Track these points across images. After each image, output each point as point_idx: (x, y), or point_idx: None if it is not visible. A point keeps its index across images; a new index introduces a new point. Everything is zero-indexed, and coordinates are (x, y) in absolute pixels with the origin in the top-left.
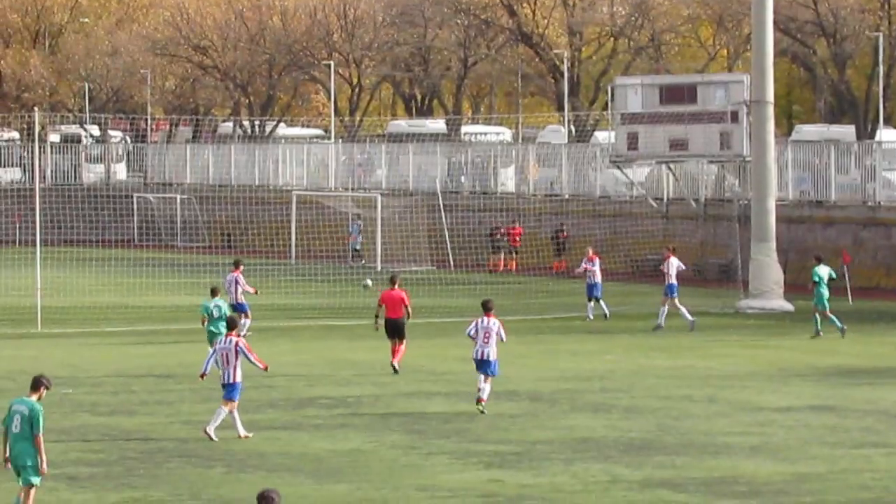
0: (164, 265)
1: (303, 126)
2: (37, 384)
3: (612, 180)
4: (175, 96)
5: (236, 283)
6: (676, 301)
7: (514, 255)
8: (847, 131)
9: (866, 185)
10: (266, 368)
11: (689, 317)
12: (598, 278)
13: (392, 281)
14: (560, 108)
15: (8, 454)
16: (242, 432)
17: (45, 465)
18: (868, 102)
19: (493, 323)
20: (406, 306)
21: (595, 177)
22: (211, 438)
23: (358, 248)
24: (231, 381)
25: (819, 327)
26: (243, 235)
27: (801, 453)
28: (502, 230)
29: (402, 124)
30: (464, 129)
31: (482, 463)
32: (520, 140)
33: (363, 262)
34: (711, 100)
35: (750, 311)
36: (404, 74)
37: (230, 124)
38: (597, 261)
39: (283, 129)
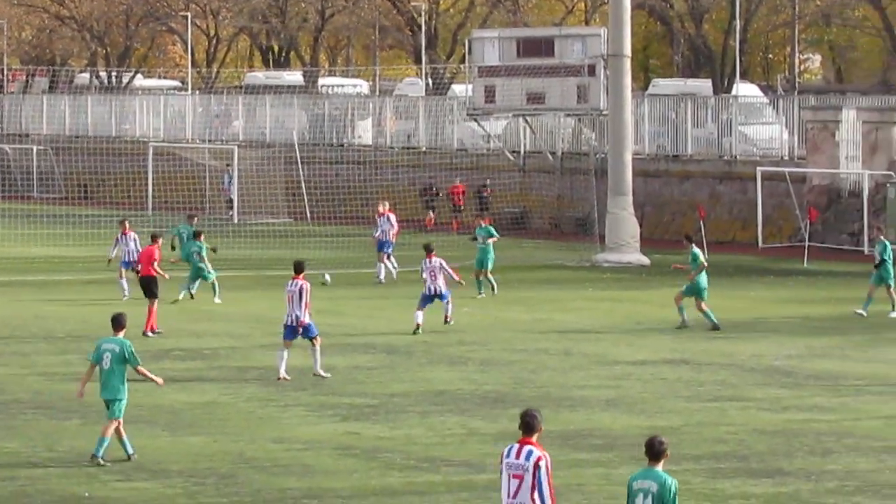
0: (20, 216)
1: (160, 77)
2: (121, 323)
3: (469, 133)
4: (32, 46)
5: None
6: None
7: (458, 213)
8: (704, 85)
9: (722, 140)
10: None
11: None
12: (391, 236)
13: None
14: (417, 61)
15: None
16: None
17: (159, 380)
18: (724, 56)
19: (437, 262)
20: (154, 262)
21: (452, 130)
22: (322, 376)
23: (232, 198)
24: (296, 322)
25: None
26: (100, 187)
27: (656, 406)
28: (436, 188)
29: (259, 76)
30: (321, 81)
31: (339, 415)
32: (377, 93)
33: (231, 212)
34: (569, 53)
35: (606, 265)
36: (261, 26)
37: (87, 75)
38: (390, 216)
39: (140, 81)
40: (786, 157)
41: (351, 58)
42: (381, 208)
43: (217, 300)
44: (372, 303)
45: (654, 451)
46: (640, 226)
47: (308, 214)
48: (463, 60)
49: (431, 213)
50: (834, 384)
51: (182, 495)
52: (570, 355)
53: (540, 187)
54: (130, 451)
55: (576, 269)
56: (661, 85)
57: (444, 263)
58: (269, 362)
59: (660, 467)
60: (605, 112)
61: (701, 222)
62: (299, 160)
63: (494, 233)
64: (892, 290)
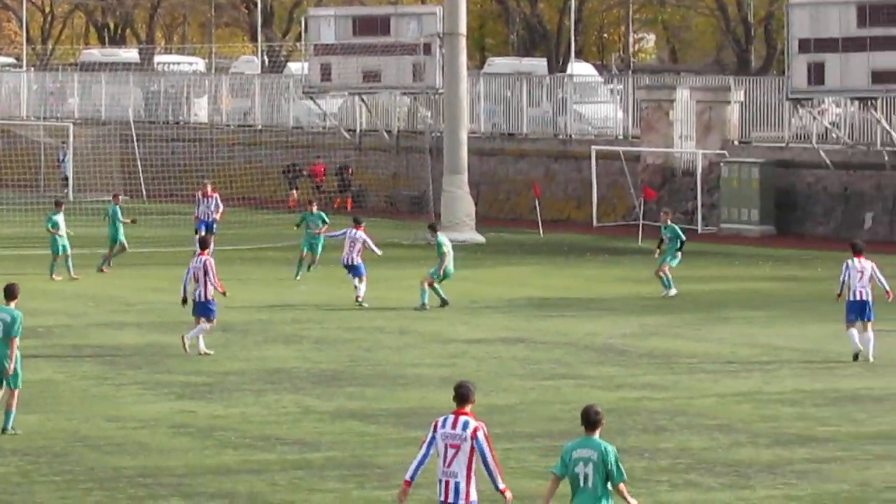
0: None
1: None
2: (13, 293)
3: (305, 111)
4: None
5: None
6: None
7: (318, 191)
8: (539, 64)
9: (557, 119)
10: (225, 293)
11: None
12: (217, 216)
13: None
14: (253, 39)
15: None
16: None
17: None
18: (560, 36)
19: (360, 234)
20: None
21: (288, 108)
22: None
23: (67, 176)
24: (203, 298)
25: None
26: None
27: (491, 385)
28: (299, 167)
29: (94, 53)
30: (157, 59)
31: (174, 394)
32: (213, 70)
33: (66, 190)
34: (404, 32)
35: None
36: (97, 3)
37: None
38: (215, 197)
39: None
40: (620, 136)
41: (187, 35)
42: (206, 189)
43: (56, 277)
44: None
45: (591, 420)
46: (476, 204)
47: (144, 192)
48: (299, 38)
49: (294, 193)
50: (667, 362)
51: (16, 474)
52: (406, 333)
53: (376, 165)
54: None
55: (411, 247)
56: (497, 64)
57: (368, 238)
58: (104, 340)
59: (596, 435)
60: (440, 90)
61: (536, 201)
62: (135, 138)
63: (326, 219)
64: (666, 269)
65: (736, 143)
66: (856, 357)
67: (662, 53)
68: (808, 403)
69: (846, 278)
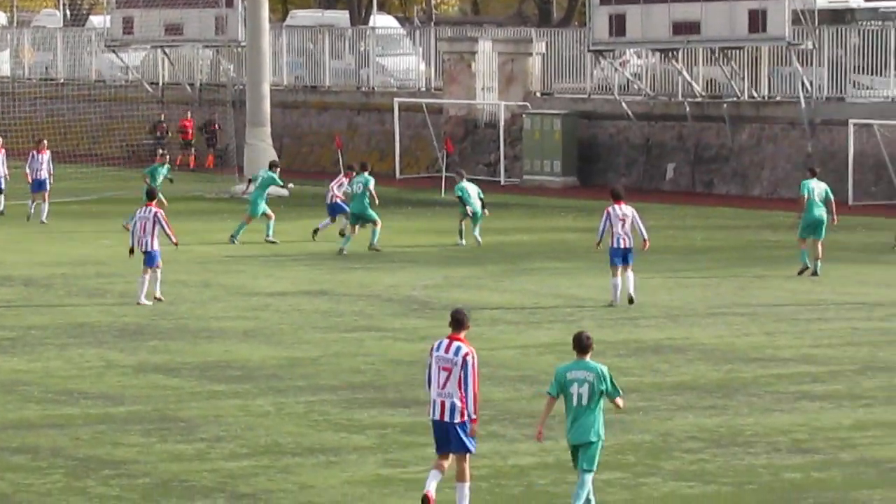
0: None
1: None
2: None
3: (107, 65)
4: None
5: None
6: None
7: (190, 149)
8: (341, 17)
9: (360, 71)
10: (177, 244)
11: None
12: (43, 174)
13: None
14: None
15: None
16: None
17: None
18: None
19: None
20: None
21: (90, 61)
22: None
23: None
24: (150, 248)
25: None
26: None
27: (294, 337)
28: (165, 124)
29: None
30: None
31: None
32: (14, 24)
33: None
34: None
35: (245, 197)
36: None
37: None
38: (45, 155)
39: None
40: (423, 89)
41: None
42: (41, 147)
43: None
44: (6, 235)
45: (582, 345)
46: (279, 157)
47: None
48: None
49: (162, 151)
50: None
51: None
52: (209, 287)
53: (179, 118)
54: None
55: (215, 200)
56: (299, 17)
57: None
58: None
59: (588, 358)
60: (242, 44)
61: (339, 153)
62: None
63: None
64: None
65: (538, 94)
66: (611, 304)
67: (464, 5)
68: (610, 354)
69: (608, 225)
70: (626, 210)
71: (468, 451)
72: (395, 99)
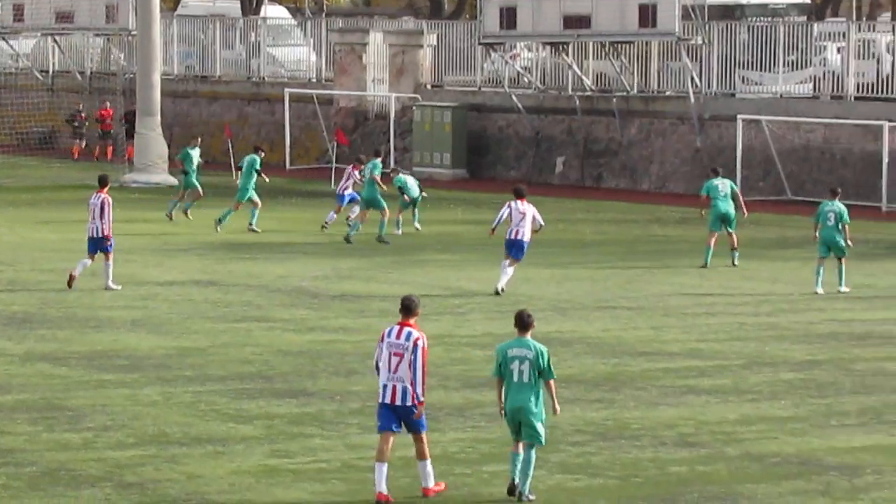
0: None
1: None
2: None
3: None
4: None
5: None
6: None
7: (108, 139)
8: (232, 7)
9: (251, 61)
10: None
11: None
12: None
13: None
14: None
15: None
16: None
17: None
18: None
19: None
20: None
21: None
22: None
23: None
24: (100, 234)
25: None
26: None
27: (182, 327)
28: (84, 113)
29: None
30: None
31: None
32: None
33: None
34: None
35: (134, 185)
36: None
37: None
38: None
39: None
40: (314, 80)
41: None
42: None
43: None
44: None
45: (524, 322)
46: (169, 146)
47: None
48: None
49: (79, 142)
50: (359, 305)
51: None
52: (98, 276)
53: (69, 107)
54: None
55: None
56: (191, 6)
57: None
58: None
59: (528, 336)
60: (133, 32)
61: (229, 143)
62: None
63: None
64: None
65: (428, 87)
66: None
67: None
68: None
69: (506, 216)
70: (526, 207)
71: (423, 429)
72: (286, 89)
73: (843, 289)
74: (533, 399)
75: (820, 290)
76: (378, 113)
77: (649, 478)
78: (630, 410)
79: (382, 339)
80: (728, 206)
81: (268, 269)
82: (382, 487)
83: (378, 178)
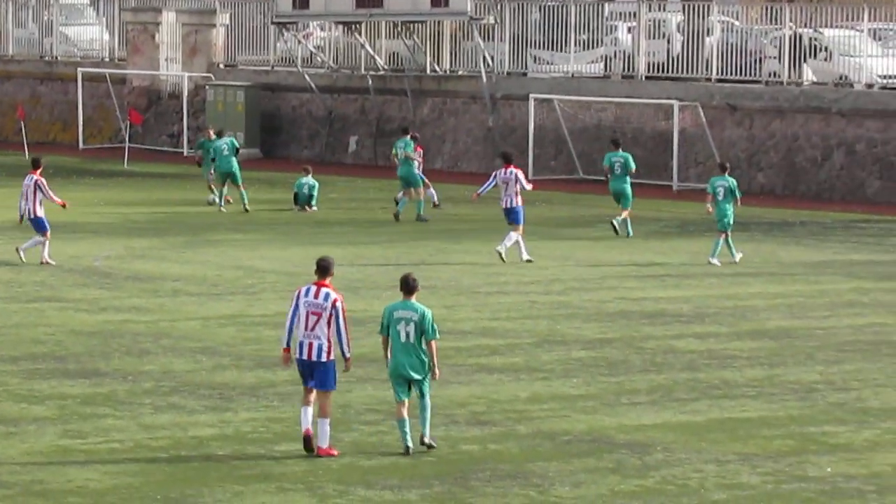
0: None
1: None
2: None
3: None
4: None
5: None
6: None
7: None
8: None
9: (44, 40)
10: (64, 205)
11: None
12: None
13: None
14: None
15: None
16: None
17: None
18: None
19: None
20: None
21: None
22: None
23: None
24: (33, 215)
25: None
26: None
27: None
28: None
29: None
30: None
31: None
32: None
33: None
34: None
35: None
36: None
37: None
38: None
39: None
40: (107, 59)
41: None
42: None
43: None
44: None
45: (409, 286)
46: None
47: None
48: None
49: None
50: (152, 285)
51: None
52: None
53: None
54: None
55: None
56: None
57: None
58: None
59: (413, 299)
60: None
61: (21, 123)
62: None
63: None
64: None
65: (222, 66)
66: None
67: None
68: None
69: (494, 185)
70: (510, 175)
71: (331, 387)
72: (79, 69)
73: (737, 257)
74: (416, 358)
75: (715, 261)
76: (171, 92)
77: (441, 456)
78: None
79: (298, 298)
80: (618, 184)
81: (60, 249)
82: (307, 425)
83: (412, 156)
